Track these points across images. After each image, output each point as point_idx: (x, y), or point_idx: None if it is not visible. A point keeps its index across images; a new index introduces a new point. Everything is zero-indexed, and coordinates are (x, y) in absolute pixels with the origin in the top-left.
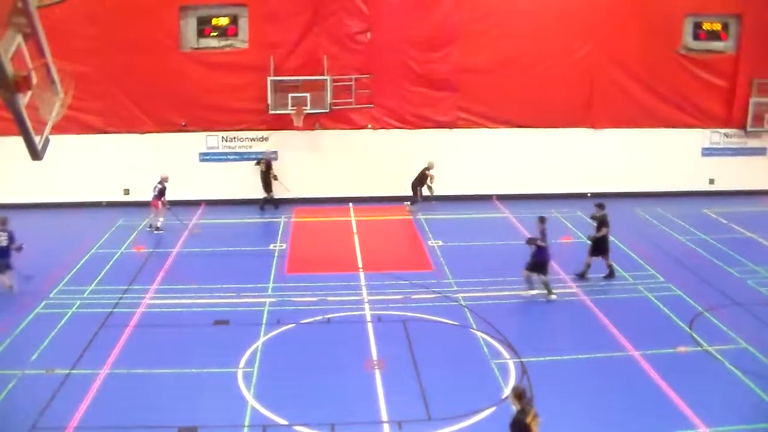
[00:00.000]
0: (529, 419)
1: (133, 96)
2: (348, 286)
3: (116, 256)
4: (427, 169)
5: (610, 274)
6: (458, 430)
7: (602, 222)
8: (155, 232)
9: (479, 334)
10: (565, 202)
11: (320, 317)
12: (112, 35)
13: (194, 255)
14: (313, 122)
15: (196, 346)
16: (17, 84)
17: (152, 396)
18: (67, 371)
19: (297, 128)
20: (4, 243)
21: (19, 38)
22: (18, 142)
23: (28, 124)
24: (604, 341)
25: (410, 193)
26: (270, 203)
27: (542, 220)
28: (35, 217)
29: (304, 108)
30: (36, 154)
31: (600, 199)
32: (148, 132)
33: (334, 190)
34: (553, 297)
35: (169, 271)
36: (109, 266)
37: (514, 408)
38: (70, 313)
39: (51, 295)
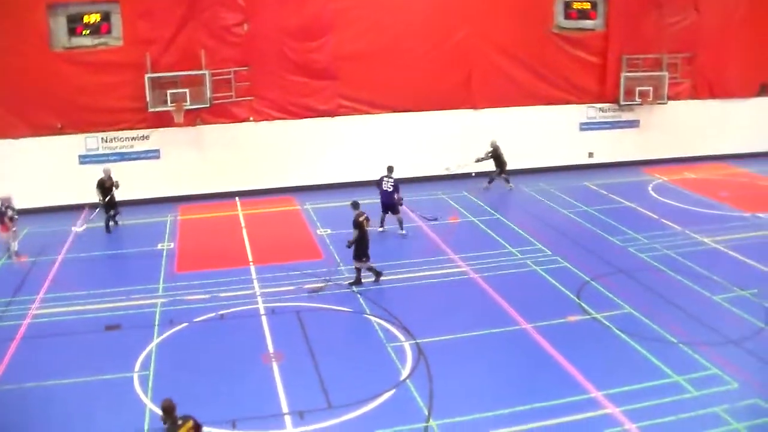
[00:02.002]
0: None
1: (3, 100)
2: (239, 280)
3: None
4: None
5: (377, 277)
6: (359, 416)
7: (354, 223)
8: (16, 258)
9: (373, 319)
10: (451, 182)
11: (213, 314)
12: None
13: (80, 260)
14: (194, 118)
15: (88, 353)
16: None
17: (45, 409)
18: None
19: (178, 125)
20: None
21: None
22: None
23: None
24: (497, 317)
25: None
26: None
27: (390, 169)
28: None
29: (183, 104)
30: None
31: (480, 179)
32: (23, 137)
33: (219, 185)
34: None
35: (55, 279)
36: None
37: (164, 425)
38: None
39: None
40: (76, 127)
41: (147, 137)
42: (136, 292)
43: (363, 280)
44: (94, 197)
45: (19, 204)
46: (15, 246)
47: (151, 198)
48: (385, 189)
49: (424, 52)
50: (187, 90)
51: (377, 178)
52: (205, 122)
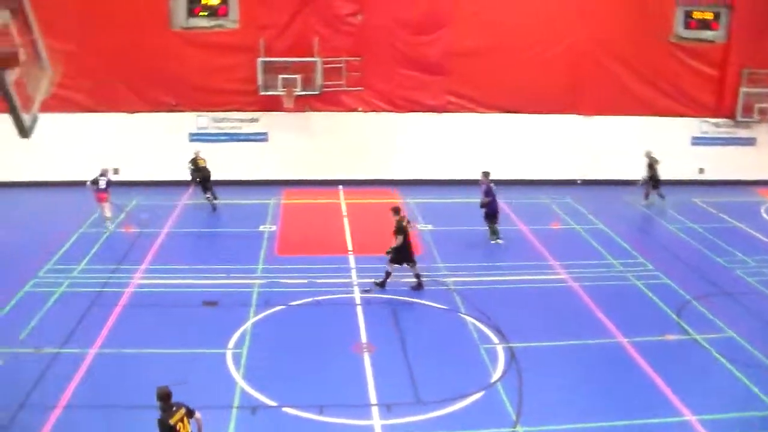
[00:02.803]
0: (173, 420)
1: (122, 75)
2: (338, 268)
3: (105, 236)
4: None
5: (418, 285)
6: (447, 414)
7: (398, 229)
8: (109, 224)
9: (468, 318)
10: (555, 188)
11: (310, 299)
12: (100, 13)
13: (184, 235)
14: (303, 104)
15: (185, 326)
16: (5, 60)
17: (141, 376)
18: (57, 350)
19: (287, 110)
20: None
21: (6, 14)
22: (6, 119)
23: (16, 101)
24: (593, 328)
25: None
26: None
27: (486, 174)
28: (24, 196)
29: (294, 89)
30: (24, 131)
31: (589, 186)
32: (138, 111)
33: (324, 172)
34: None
35: (158, 251)
36: (98, 246)
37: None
38: (59, 293)
39: (40, 274)
40: (189, 106)
41: (256, 120)
42: (235, 271)
43: (385, 282)
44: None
45: (129, 176)
46: (109, 214)
47: (256, 180)
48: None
49: (536, 53)
50: (298, 76)
51: (484, 183)
52: (313, 109)
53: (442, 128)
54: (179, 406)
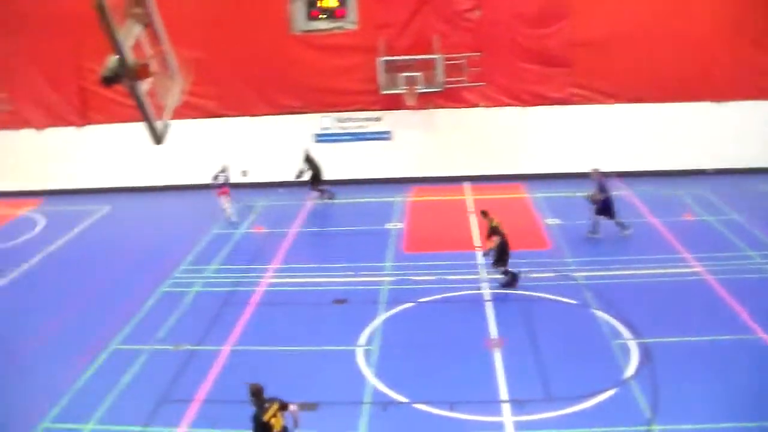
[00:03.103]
0: (267, 416)
1: (247, 80)
2: (466, 264)
3: (236, 237)
4: None
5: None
6: (578, 411)
7: (493, 230)
8: (232, 219)
9: (599, 313)
10: (685, 178)
11: (439, 296)
12: (225, 21)
13: (312, 235)
14: (425, 101)
15: (315, 324)
16: (137, 72)
17: (273, 372)
18: (193, 347)
19: (410, 107)
20: None
21: (138, 28)
22: (140, 128)
23: (149, 110)
24: (731, 323)
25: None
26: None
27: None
28: (158, 200)
29: (416, 87)
30: (157, 138)
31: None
32: (263, 115)
33: (449, 169)
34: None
35: (288, 251)
36: (229, 246)
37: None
38: (193, 292)
39: (175, 275)
40: (312, 107)
41: (379, 119)
42: (364, 269)
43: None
44: (329, 174)
45: (257, 178)
46: (230, 210)
47: (381, 178)
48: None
49: (661, 39)
50: (419, 74)
51: (597, 178)
52: (436, 106)
53: (567, 121)
54: (272, 401)
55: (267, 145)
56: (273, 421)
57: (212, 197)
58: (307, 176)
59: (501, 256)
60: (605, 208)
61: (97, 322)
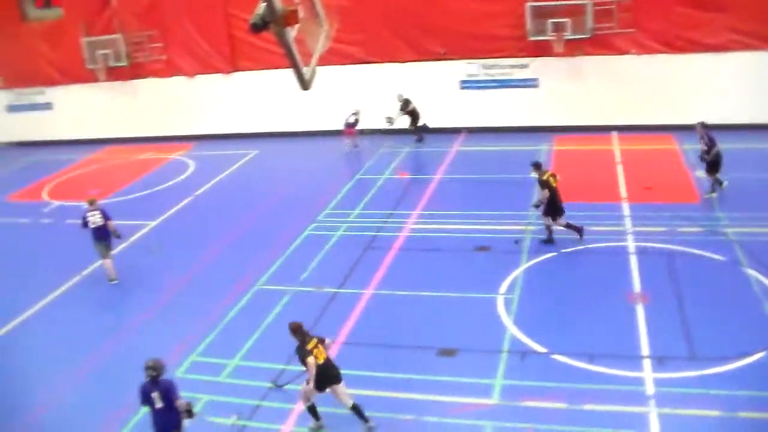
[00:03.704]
0: (310, 346)
1: (392, 26)
2: (611, 216)
3: (380, 182)
4: None
5: (580, 234)
6: (722, 372)
7: (542, 183)
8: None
9: (750, 272)
10: None
11: (582, 247)
12: None
13: (455, 181)
14: (573, 48)
15: (457, 270)
16: (286, 18)
17: (413, 317)
18: (335, 290)
19: (557, 55)
20: (100, 222)
21: None
22: (287, 74)
23: (297, 56)
24: None
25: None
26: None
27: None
28: (303, 145)
29: (564, 34)
30: (304, 84)
31: None
32: (408, 61)
33: (596, 118)
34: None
35: (431, 197)
36: (373, 191)
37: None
38: (337, 236)
39: (319, 218)
40: (458, 54)
41: (526, 66)
42: (506, 217)
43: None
44: (474, 121)
45: (402, 125)
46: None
47: (526, 126)
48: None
49: None
50: (568, 20)
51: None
52: (584, 53)
53: (723, 69)
54: (312, 336)
55: (412, 92)
56: (316, 351)
57: (362, 142)
58: (405, 122)
59: (551, 208)
60: (715, 162)
61: (243, 263)
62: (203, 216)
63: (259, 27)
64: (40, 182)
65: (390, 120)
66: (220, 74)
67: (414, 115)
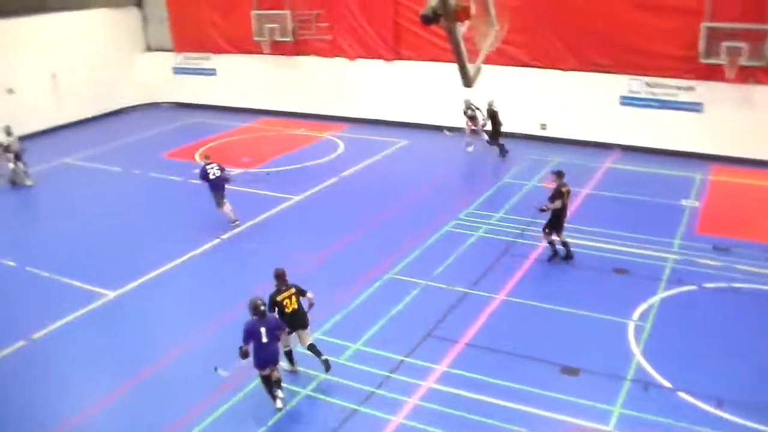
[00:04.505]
0: (281, 297)
1: (559, 32)
2: (763, 256)
3: (525, 189)
4: None
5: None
6: None
7: (556, 194)
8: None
9: None
10: None
11: (725, 284)
12: None
13: (601, 198)
14: (746, 75)
15: (591, 289)
16: (458, 14)
17: (541, 330)
18: (466, 290)
19: (728, 80)
20: (218, 173)
21: None
22: (448, 68)
23: (464, 53)
24: None
25: None
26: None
27: None
28: (454, 141)
29: (738, 59)
30: (468, 81)
31: None
32: (571, 69)
33: (762, 151)
34: None
35: (574, 211)
36: (517, 197)
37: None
38: (475, 237)
39: (460, 216)
40: (621, 68)
41: (692, 88)
42: (649, 242)
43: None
44: (629, 139)
45: (555, 133)
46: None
47: (683, 151)
48: None
49: None
50: (744, 44)
51: None
52: (757, 81)
53: None
54: (290, 286)
55: (569, 101)
56: (286, 302)
57: (511, 147)
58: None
59: (555, 222)
60: None
61: (379, 249)
62: (346, 198)
63: (429, 19)
64: (195, 144)
65: (544, 126)
66: (381, 60)
67: (497, 128)
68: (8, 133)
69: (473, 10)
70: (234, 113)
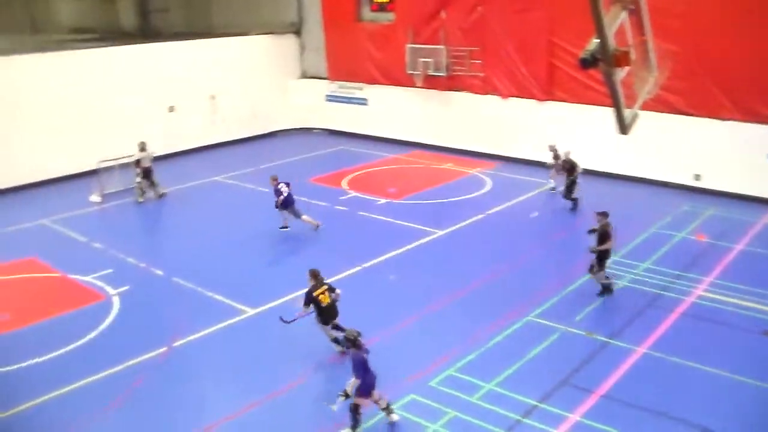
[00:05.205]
0: (317, 293)
1: (720, 79)
2: None
3: (675, 240)
4: None
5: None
6: None
7: (604, 234)
8: (696, 236)
9: None
10: None
11: None
12: (706, 17)
13: (758, 255)
14: None
15: (738, 351)
16: (617, 58)
17: (683, 388)
18: (607, 340)
19: None
20: (288, 190)
21: (624, 15)
22: (602, 112)
23: (621, 98)
24: None
25: None
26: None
27: None
28: (608, 187)
29: None
30: (624, 128)
31: None
32: (730, 119)
33: None
34: None
35: (727, 266)
36: (666, 248)
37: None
38: (620, 285)
39: (606, 263)
40: None
41: None
42: None
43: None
44: None
45: (710, 184)
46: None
47: None
48: None
49: None
50: None
51: None
52: None
53: None
54: (324, 284)
55: (727, 151)
56: (321, 297)
57: (658, 195)
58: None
59: (602, 259)
60: None
61: (519, 290)
62: (489, 235)
63: (588, 63)
64: (342, 171)
65: (698, 177)
66: (533, 100)
67: (574, 179)
68: (142, 148)
69: (633, 55)
70: (383, 143)
